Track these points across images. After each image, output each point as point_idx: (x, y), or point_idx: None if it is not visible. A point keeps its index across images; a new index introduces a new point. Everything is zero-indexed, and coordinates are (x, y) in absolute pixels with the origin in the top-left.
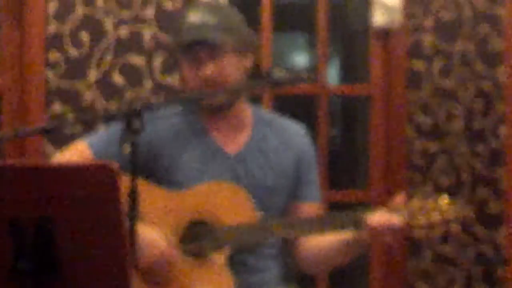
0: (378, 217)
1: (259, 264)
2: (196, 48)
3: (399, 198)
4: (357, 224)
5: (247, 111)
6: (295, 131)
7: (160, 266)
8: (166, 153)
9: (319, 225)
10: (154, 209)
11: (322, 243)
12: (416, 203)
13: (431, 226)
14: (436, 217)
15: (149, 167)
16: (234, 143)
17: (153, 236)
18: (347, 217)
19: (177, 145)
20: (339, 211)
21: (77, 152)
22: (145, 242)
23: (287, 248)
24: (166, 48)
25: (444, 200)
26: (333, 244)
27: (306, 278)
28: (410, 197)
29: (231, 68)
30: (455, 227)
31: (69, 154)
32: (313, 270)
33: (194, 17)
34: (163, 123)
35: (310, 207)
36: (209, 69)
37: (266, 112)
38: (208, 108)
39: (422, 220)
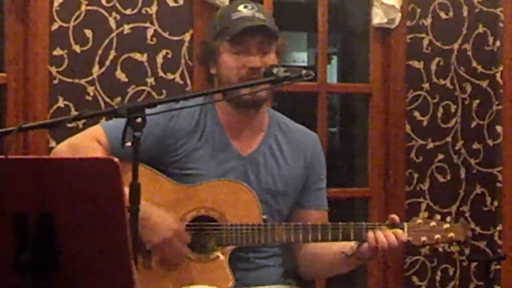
0: (379, 237)
1: (260, 261)
2: (248, 37)
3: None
4: (359, 236)
5: (265, 114)
6: (307, 138)
7: (173, 245)
8: (182, 145)
9: (322, 234)
10: (161, 201)
11: (322, 253)
12: (419, 223)
13: (432, 245)
14: (438, 238)
15: (164, 159)
16: (247, 144)
17: (165, 216)
18: (350, 228)
19: (193, 139)
20: (340, 210)
21: (93, 138)
22: (156, 222)
23: (288, 252)
24: (169, 45)
25: (446, 223)
26: (333, 255)
27: None
28: (413, 216)
29: (273, 63)
30: (455, 247)
31: (84, 139)
32: (311, 276)
33: (246, 11)
34: (183, 116)
35: (316, 215)
36: (258, 61)
37: (281, 117)
38: (247, 102)
39: (424, 239)
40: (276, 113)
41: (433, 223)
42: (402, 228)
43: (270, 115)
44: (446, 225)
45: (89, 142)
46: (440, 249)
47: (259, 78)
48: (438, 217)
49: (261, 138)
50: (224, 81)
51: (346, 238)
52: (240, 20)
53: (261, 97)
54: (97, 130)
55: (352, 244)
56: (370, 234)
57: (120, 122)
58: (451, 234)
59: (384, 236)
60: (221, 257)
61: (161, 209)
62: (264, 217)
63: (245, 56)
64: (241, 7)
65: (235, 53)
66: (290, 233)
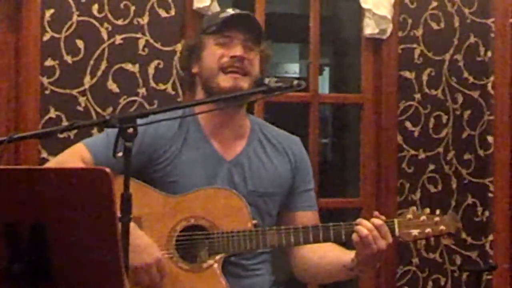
0: (368, 226)
1: (252, 267)
2: (232, 30)
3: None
4: (350, 235)
5: (246, 119)
6: (290, 141)
7: (151, 272)
8: (165, 152)
9: (313, 235)
10: (150, 212)
11: (320, 262)
12: (409, 218)
13: (423, 239)
14: (428, 231)
15: (148, 168)
16: (231, 149)
17: (149, 242)
18: (341, 228)
19: (175, 147)
20: (331, 221)
21: (76, 155)
22: (140, 245)
23: (280, 257)
24: (160, 55)
25: (436, 216)
26: (331, 265)
27: (296, 282)
28: (403, 211)
29: (255, 63)
30: (447, 240)
31: (68, 157)
32: (306, 280)
33: (232, 10)
34: (163, 126)
35: (306, 216)
36: (241, 50)
37: (262, 122)
38: (227, 92)
39: (415, 233)
40: (257, 119)
41: (423, 217)
42: (393, 225)
43: (252, 120)
44: (436, 218)
45: (74, 159)
46: (431, 256)
47: (240, 68)
48: (428, 210)
49: (245, 141)
50: (206, 74)
51: (338, 237)
52: (225, 14)
53: (242, 88)
54: (79, 148)
55: (352, 257)
56: (359, 227)
57: (101, 138)
58: (442, 227)
59: (372, 224)
60: (214, 265)
61: (145, 235)
62: (255, 221)
63: (228, 47)
64: (229, 10)
65: (219, 44)
66: (282, 237)
